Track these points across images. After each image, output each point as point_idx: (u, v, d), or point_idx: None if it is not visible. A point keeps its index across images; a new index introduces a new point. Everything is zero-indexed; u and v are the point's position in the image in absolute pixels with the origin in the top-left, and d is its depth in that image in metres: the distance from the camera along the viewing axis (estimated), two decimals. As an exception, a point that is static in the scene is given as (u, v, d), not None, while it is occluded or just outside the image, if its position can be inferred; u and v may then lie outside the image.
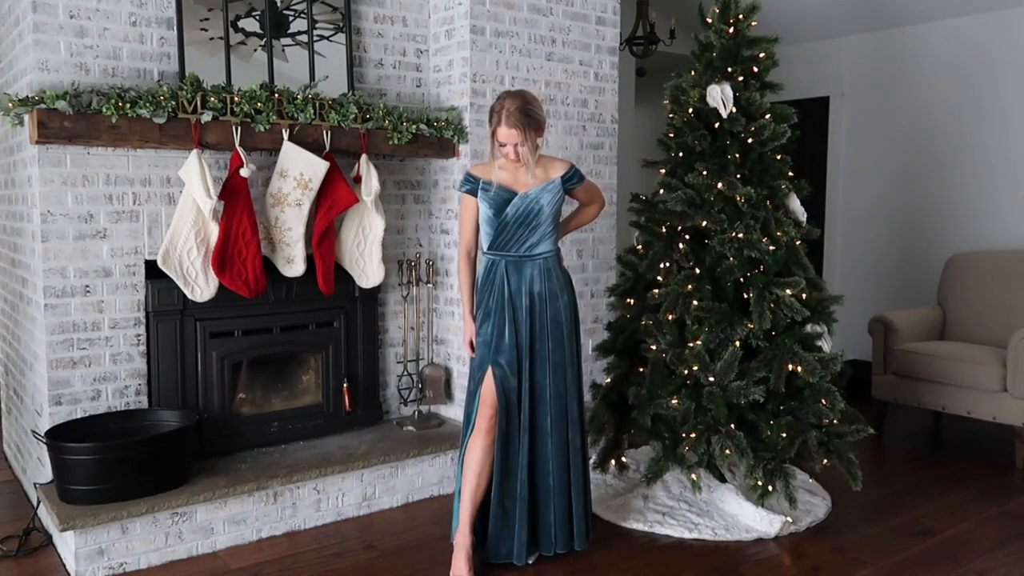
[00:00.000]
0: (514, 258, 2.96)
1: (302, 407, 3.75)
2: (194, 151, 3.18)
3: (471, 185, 2.98)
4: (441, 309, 4.10)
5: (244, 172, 3.27)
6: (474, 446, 2.94)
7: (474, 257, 3.07)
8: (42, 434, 3.06)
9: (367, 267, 3.68)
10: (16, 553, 3.12)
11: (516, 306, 2.95)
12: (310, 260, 3.54)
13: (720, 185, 3.39)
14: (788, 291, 3.32)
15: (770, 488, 3.30)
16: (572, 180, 3.01)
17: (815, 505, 3.58)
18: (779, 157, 3.55)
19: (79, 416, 3.20)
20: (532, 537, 3.03)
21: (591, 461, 3.82)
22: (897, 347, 4.64)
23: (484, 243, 3.02)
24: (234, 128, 3.28)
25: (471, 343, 3.03)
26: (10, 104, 2.94)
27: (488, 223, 2.96)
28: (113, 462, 2.96)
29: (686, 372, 3.36)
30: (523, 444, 2.96)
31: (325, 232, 3.50)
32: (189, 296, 3.28)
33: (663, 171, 3.68)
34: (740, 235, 3.35)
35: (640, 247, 3.69)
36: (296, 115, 3.41)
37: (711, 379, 3.30)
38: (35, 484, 3.27)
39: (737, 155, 3.49)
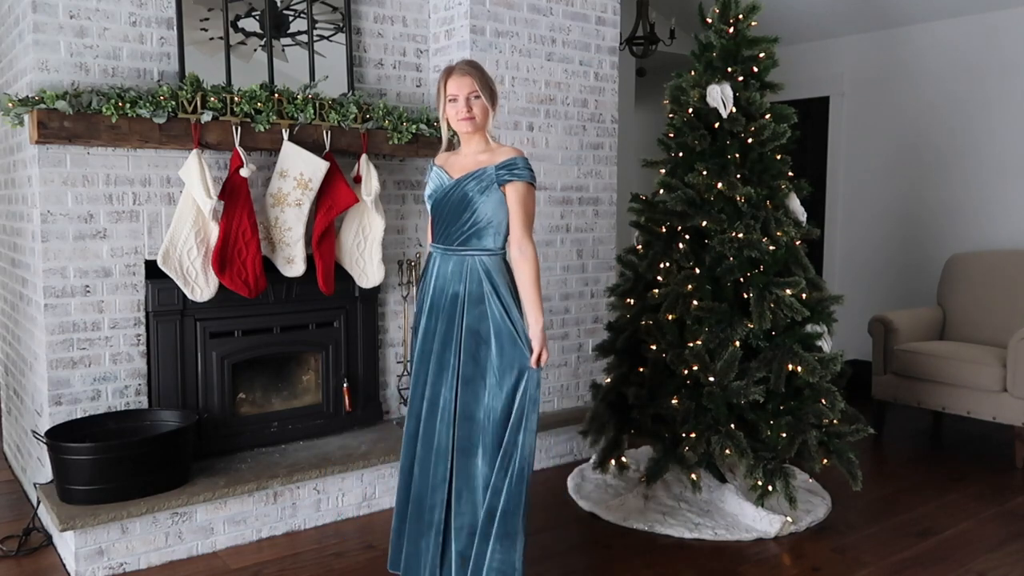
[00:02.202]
0: (444, 251, 2.61)
1: (302, 407, 3.75)
2: (194, 151, 3.18)
3: (429, 172, 2.70)
4: None
5: (244, 172, 3.27)
6: None
7: (429, 252, 2.77)
8: (42, 434, 3.06)
9: (367, 267, 3.68)
10: (16, 553, 3.12)
11: (435, 307, 2.60)
12: (310, 260, 3.54)
13: (720, 185, 3.39)
14: (788, 291, 3.32)
15: (770, 488, 3.30)
16: (510, 168, 2.52)
17: (815, 505, 3.58)
18: (779, 157, 3.55)
19: (79, 416, 3.20)
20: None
21: (591, 460, 3.83)
22: (897, 347, 4.64)
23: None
24: (234, 128, 3.28)
25: None
26: (10, 104, 2.94)
27: (430, 211, 2.66)
28: (113, 462, 2.97)
29: (686, 372, 3.36)
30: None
31: (325, 232, 3.50)
32: (189, 296, 3.28)
33: (663, 171, 3.68)
34: (740, 235, 3.34)
35: (640, 247, 3.69)
36: (296, 115, 3.41)
37: (711, 379, 3.30)
38: (35, 484, 3.27)
39: (737, 155, 3.49)
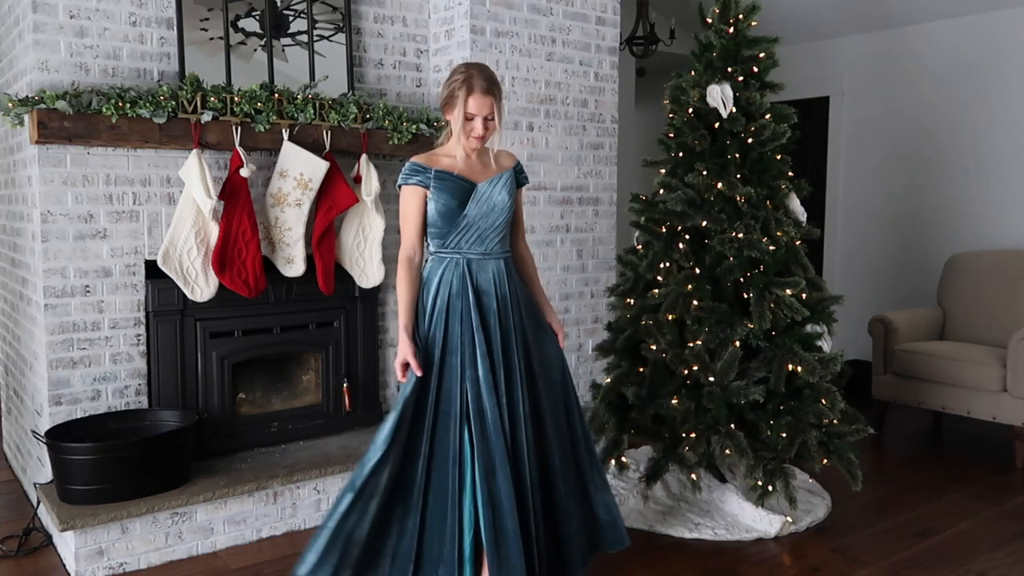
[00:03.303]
0: (477, 256, 2.58)
1: (302, 407, 3.75)
2: (194, 151, 3.18)
3: (422, 176, 2.54)
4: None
5: (244, 172, 3.27)
6: None
7: (418, 263, 2.59)
8: (42, 434, 3.06)
9: (367, 267, 3.68)
10: (16, 553, 3.12)
11: (484, 311, 2.55)
12: (310, 260, 3.54)
13: (720, 185, 3.39)
14: (788, 291, 3.32)
15: (770, 488, 3.30)
16: (522, 174, 2.72)
17: (815, 505, 3.58)
18: (779, 157, 3.54)
19: (79, 416, 3.20)
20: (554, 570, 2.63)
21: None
22: (897, 347, 4.64)
23: (435, 241, 2.61)
24: (234, 128, 3.28)
25: (405, 365, 2.50)
26: (10, 104, 2.94)
27: (446, 218, 2.55)
28: (113, 462, 2.97)
29: (686, 372, 3.36)
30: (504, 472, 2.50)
31: (325, 232, 3.50)
32: (189, 296, 3.28)
33: (663, 171, 3.68)
34: (740, 235, 3.34)
35: (640, 247, 3.69)
36: (296, 115, 3.41)
37: (711, 379, 3.30)
38: (35, 484, 3.27)
39: (737, 155, 3.49)
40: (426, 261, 2.65)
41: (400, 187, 2.61)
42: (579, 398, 2.81)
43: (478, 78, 2.50)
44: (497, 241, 2.60)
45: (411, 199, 2.58)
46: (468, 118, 2.52)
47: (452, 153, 2.61)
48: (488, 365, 2.51)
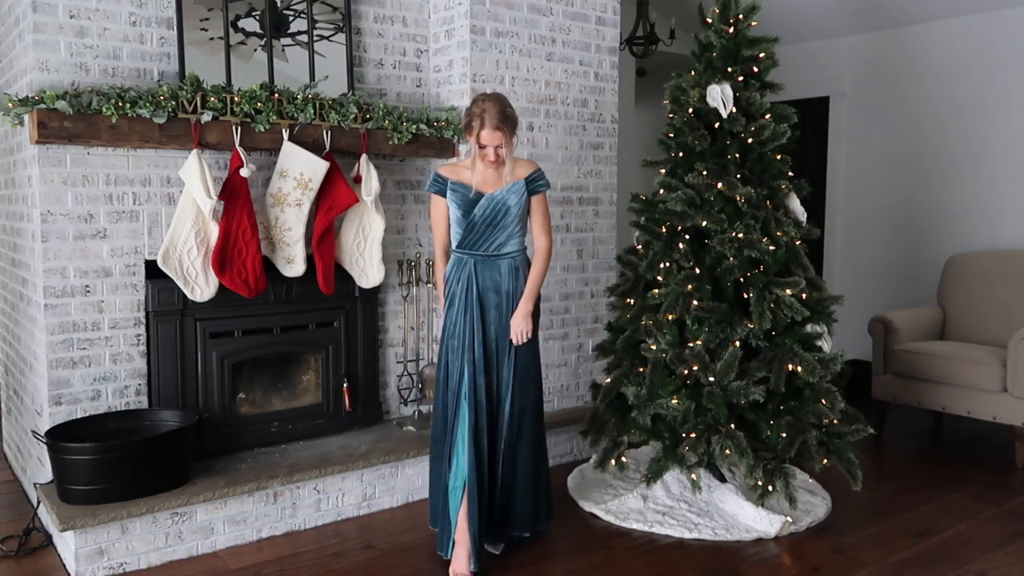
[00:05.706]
0: (483, 257, 3.03)
1: (302, 407, 3.75)
2: (194, 151, 3.18)
3: (440, 186, 3.05)
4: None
5: (244, 172, 3.27)
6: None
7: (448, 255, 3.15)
8: (42, 434, 3.06)
9: (367, 267, 3.68)
10: (16, 553, 3.12)
11: (485, 304, 3.03)
12: (310, 260, 3.54)
13: (720, 185, 3.39)
14: (788, 291, 3.32)
15: (770, 488, 3.30)
16: (537, 182, 3.06)
17: (815, 505, 3.58)
18: (779, 157, 3.55)
19: (79, 416, 3.20)
20: (501, 525, 3.14)
21: (591, 460, 3.84)
22: (897, 347, 4.64)
23: (453, 241, 3.08)
24: (234, 128, 3.28)
25: None
26: (10, 104, 2.94)
27: (457, 223, 3.03)
28: (113, 462, 2.97)
29: (686, 372, 3.36)
30: (496, 440, 3.08)
31: (325, 232, 3.50)
32: (189, 296, 3.28)
33: (663, 171, 3.68)
34: (740, 235, 3.34)
35: (640, 247, 3.69)
36: (296, 115, 3.41)
37: (711, 379, 3.30)
38: (35, 484, 3.27)
39: (737, 155, 3.49)
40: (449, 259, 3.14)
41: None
42: (541, 400, 3.21)
43: (490, 114, 2.89)
44: (504, 243, 3.03)
45: (435, 205, 3.12)
46: (482, 146, 2.93)
47: (470, 166, 3.03)
48: (482, 350, 3.02)
